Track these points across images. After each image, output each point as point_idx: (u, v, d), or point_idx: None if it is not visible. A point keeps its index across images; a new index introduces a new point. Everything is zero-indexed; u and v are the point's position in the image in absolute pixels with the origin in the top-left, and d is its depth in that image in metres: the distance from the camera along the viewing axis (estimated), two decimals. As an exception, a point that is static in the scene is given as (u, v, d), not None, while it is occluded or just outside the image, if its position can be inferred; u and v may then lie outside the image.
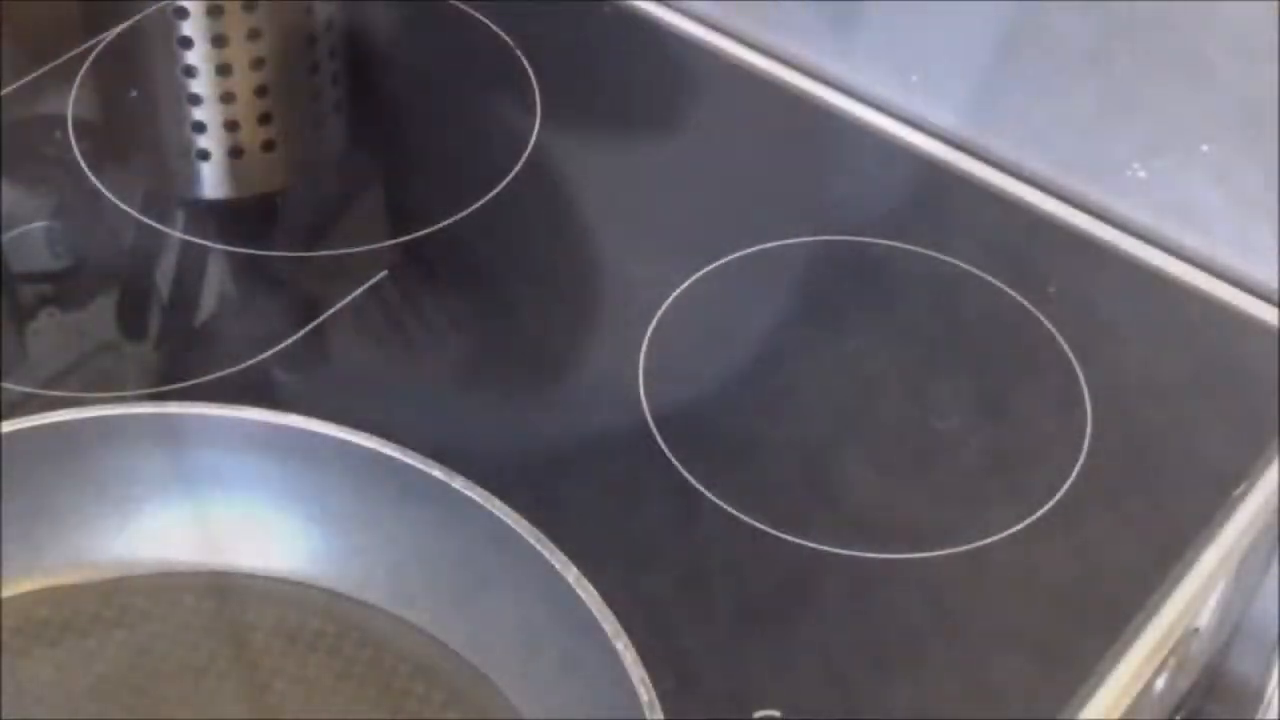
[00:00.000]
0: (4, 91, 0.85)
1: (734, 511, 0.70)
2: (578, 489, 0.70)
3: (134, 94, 0.88)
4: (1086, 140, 0.83)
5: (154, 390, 0.72)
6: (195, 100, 0.84)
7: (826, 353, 0.77)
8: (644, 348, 0.75)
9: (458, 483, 0.61)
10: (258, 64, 0.84)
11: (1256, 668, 0.87)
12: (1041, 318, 0.78)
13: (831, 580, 0.68)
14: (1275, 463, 0.73)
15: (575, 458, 0.72)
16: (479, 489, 0.61)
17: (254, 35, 0.83)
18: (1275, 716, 0.88)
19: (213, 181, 0.86)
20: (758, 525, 0.69)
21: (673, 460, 0.71)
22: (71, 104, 0.85)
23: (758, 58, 0.89)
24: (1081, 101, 0.82)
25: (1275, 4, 0.74)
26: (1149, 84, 0.80)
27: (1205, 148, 0.79)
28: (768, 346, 0.77)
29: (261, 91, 0.84)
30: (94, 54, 0.87)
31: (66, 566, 0.64)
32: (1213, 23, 0.76)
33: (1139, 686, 0.67)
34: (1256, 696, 0.87)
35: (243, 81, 0.84)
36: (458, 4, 0.91)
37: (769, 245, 0.80)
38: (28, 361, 0.75)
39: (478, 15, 0.91)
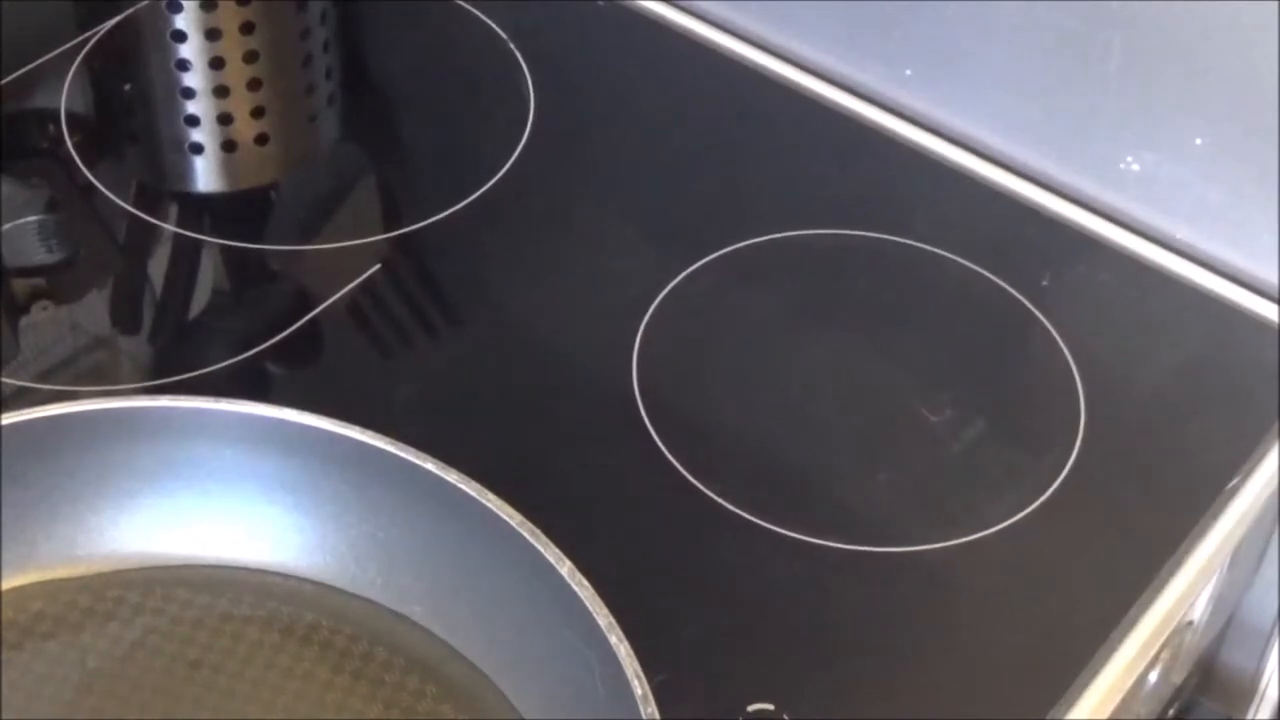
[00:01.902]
0: (-3, 85, 0.85)
1: (728, 505, 0.70)
2: (572, 483, 0.70)
3: (127, 88, 0.88)
4: (1080, 133, 0.83)
5: (147, 384, 0.72)
6: (188, 94, 0.84)
7: (819, 345, 0.77)
8: (638, 341, 0.75)
9: (452, 476, 0.61)
10: (251, 58, 0.84)
11: (1250, 661, 0.87)
12: (1035, 311, 0.78)
13: (825, 574, 0.68)
14: (1270, 456, 0.73)
15: (569, 451, 0.72)
16: (473, 483, 0.61)
17: (247, 29, 0.83)
18: (1270, 712, 0.88)
19: (206, 175, 0.86)
20: (751, 519, 0.69)
21: (667, 454, 0.71)
22: (65, 98, 0.85)
23: (752, 52, 0.89)
24: (1075, 94, 0.82)
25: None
26: (1143, 77, 0.80)
27: (1199, 140, 0.79)
28: (761, 340, 0.77)
29: (255, 85, 0.84)
30: (87, 48, 0.87)
31: (60, 560, 0.64)
32: (1207, 15, 0.76)
33: (1132, 680, 0.67)
34: (1250, 690, 0.87)
35: (236, 75, 0.84)
36: (451, -2, 0.91)
37: (762, 239, 0.80)
38: (21, 355, 0.75)
39: (472, 10, 0.90)
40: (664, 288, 0.78)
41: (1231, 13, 0.75)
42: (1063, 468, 0.72)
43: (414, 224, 0.80)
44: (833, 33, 0.88)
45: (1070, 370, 0.76)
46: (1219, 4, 0.75)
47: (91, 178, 0.81)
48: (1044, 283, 0.79)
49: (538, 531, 0.59)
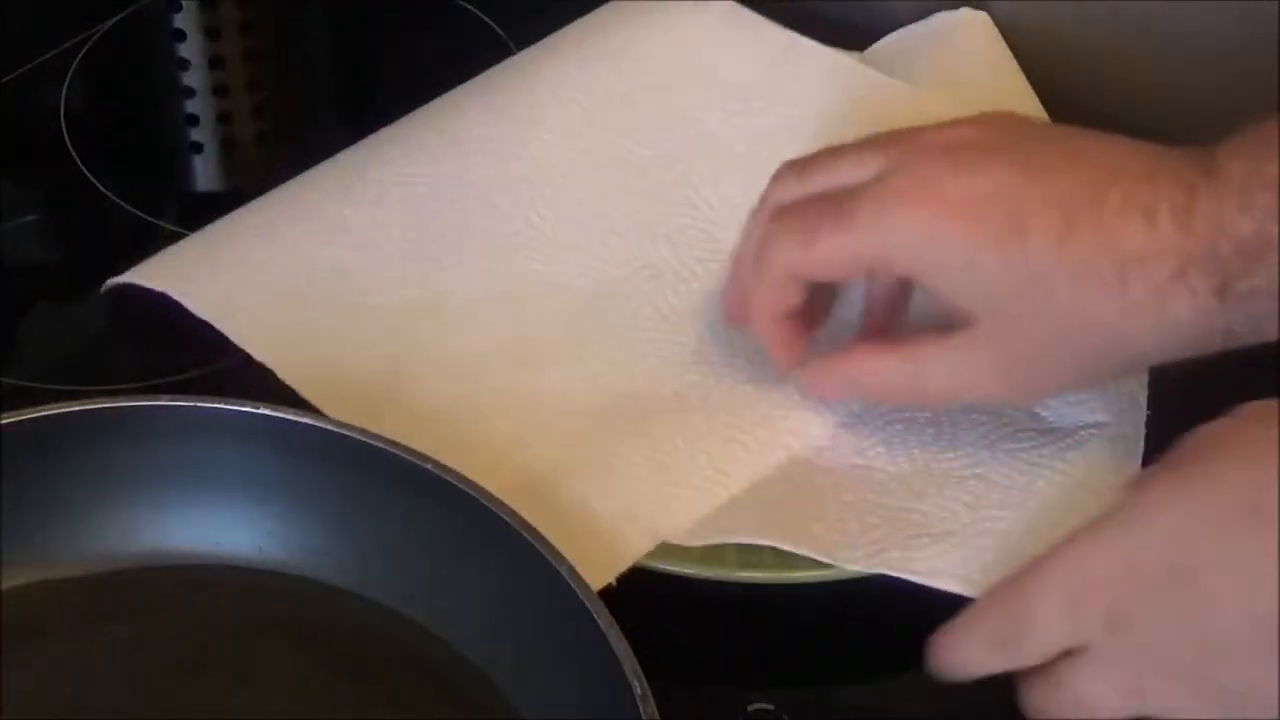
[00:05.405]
0: (-3, 84, 0.85)
1: (728, 505, 0.69)
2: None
3: (127, 87, 0.88)
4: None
5: (147, 383, 0.72)
6: (188, 93, 0.84)
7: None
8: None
9: (451, 476, 0.61)
10: (251, 57, 0.84)
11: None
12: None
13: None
14: (1269, 456, 0.73)
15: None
16: (473, 483, 0.61)
17: (247, 28, 0.83)
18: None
19: (205, 174, 0.86)
20: (751, 518, 0.69)
21: (666, 454, 0.71)
22: (65, 96, 0.85)
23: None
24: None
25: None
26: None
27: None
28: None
29: (255, 85, 0.84)
30: (87, 47, 0.87)
31: (60, 560, 0.64)
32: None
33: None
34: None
35: (236, 75, 0.84)
36: (452, -3, 0.91)
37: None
38: (20, 355, 0.75)
39: (472, 9, 0.90)
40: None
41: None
42: (1063, 467, 0.72)
43: (414, 223, 0.80)
44: (832, 39, 0.88)
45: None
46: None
47: (91, 177, 0.81)
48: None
49: (538, 531, 0.59)
